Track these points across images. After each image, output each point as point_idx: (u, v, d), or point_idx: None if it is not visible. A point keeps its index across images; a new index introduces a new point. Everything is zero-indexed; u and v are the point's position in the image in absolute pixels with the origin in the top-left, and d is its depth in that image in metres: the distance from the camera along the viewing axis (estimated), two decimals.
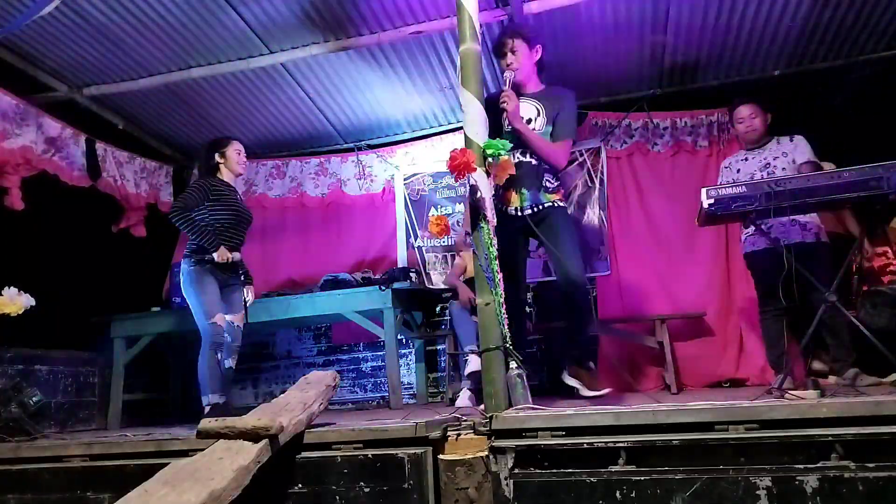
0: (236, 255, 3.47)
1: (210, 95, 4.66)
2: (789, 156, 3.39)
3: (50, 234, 4.40)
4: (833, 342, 3.29)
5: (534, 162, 2.83)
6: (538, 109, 2.90)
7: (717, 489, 1.75)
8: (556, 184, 2.91)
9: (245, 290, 3.55)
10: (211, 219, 3.40)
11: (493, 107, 2.70)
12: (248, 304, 3.53)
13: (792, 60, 4.38)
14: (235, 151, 3.56)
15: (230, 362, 3.39)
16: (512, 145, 2.63)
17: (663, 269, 4.59)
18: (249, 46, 4.10)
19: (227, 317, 3.37)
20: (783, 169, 3.33)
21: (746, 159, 3.52)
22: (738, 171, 3.51)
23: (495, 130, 2.68)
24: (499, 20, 3.84)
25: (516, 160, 2.79)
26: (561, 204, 2.89)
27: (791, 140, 3.44)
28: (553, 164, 2.84)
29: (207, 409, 3.21)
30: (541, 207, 2.83)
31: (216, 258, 3.30)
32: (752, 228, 3.30)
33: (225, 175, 3.54)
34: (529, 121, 2.85)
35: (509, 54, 2.83)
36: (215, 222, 3.40)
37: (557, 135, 2.86)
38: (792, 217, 3.28)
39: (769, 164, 3.42)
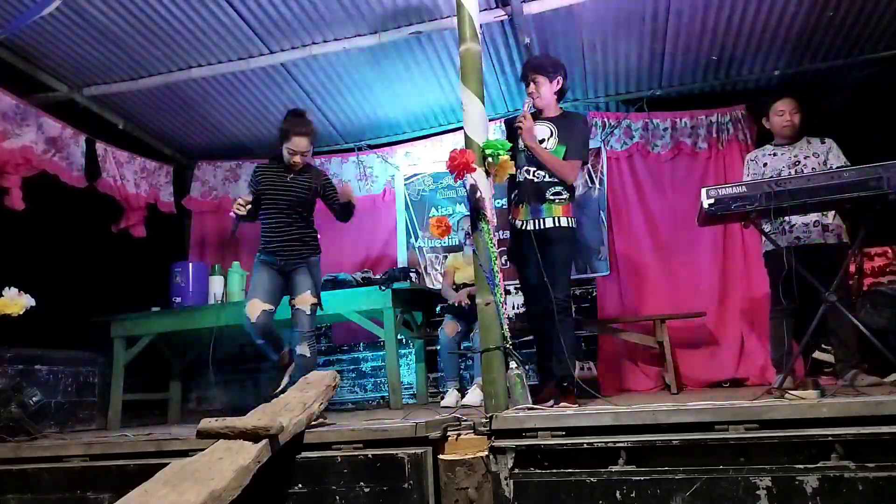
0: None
1: (210, 95, 4.66)
2: (821, 157, 3.35)
3: (50, 234, 4.39)
4: (835, 342, 3.29)
5: (536, 180, 3.05)
6: (551, 131, 3.12)
7: (717, 489, 1.75)
8: (564, 196, 3.06)
9: (306, 267, 3.37)
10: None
11: (511, 128, 3.11)
12: (310, 285, 3.36)
13: (792, 60, 4.38)
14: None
15: (300, 349, 3.43)
16: (518, 158, 2.96)
17: (663, 269, 4.59)
18: (249, 46, 4.10)
19: (293, 300, 3.40)
20: (812, 169, 3.29)
21: (775, 154, 3.47)
22: (766, 164, 3.46)
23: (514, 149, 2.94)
24: (499, 20, 3.84)
25: (522, 178, 3.07)
26: (563, 222, 3.04)
27: (823, 142, 3.40)
28: (561, 177, 3.05)
29: None
30: (542, 224, 3.02)
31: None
32: (771, 227, 3.28)
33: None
34: (542, 140, 3.08)
35: (532, 85, 3.15)
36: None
37: (568, 155, 3.08)
38: (816, 219, 3.28)
39: (799, 161, 3.38)
